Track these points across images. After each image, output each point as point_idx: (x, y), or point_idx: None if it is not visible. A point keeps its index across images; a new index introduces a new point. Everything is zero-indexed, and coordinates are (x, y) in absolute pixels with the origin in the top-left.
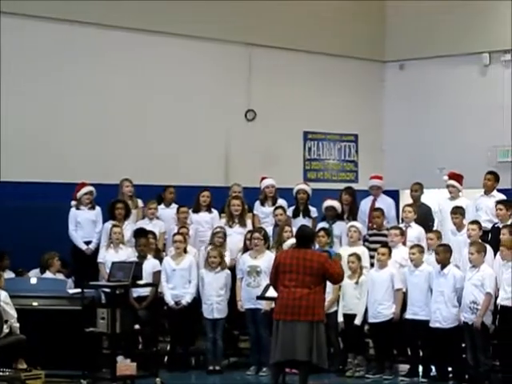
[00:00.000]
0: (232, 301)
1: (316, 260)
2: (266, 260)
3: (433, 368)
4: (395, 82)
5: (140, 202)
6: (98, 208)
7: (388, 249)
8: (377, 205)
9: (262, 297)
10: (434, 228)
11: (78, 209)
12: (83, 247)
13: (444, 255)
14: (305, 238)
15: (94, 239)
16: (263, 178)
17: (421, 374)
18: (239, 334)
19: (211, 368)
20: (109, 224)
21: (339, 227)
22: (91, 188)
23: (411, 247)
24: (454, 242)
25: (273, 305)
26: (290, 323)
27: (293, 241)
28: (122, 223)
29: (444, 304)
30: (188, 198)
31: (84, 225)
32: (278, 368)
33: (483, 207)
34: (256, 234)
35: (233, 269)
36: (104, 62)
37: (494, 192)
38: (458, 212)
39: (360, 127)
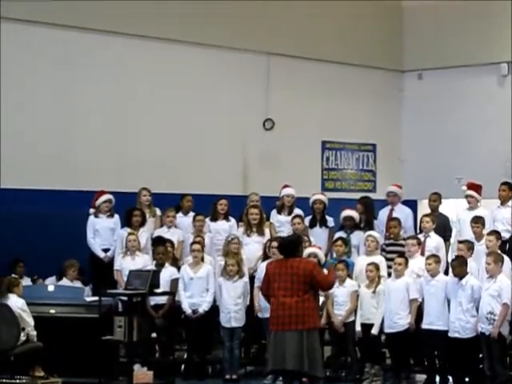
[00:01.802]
0: (249, 309)
1: (303, 267)
2: None
3: (450, 378)
4: (413, 91)
5: (158, 211)
6: (116, 216)
7: (404, 259)
8: (394, 214)
9: None
10: (452, 238)
11: (96, 217)
12: (101, 255)
13: (460, 269)
14: (286, 247)
15: (112, 247)
16: (285, 186)
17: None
18: (260, 344)
19: (228, 377)
20: (124, 231)
21: (357, 237)
22: (110, 196)
23: (427, 257)
24: (474, 251)
25: None
26: (281, 333)
27: (309, 250)
28: (137, 231)
29: (462, 314)
30: (206, 206)
31: (102, 233)
32: (288, 378)
33: (500, 218)
34: (274, 243)
35: (250, 277)
36: (121, 69)
37: (510, 202)
38: (479, 222)
39: (378, 137)
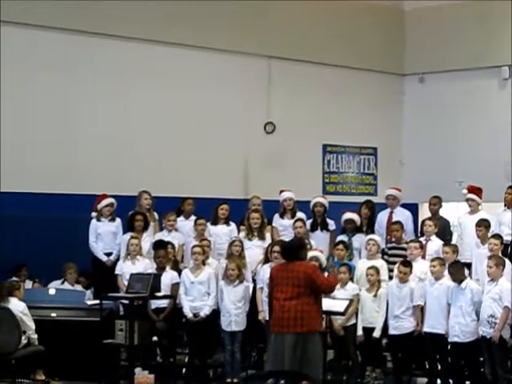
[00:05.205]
0: (249, 313)
1: (302, 271)
2: None
3: (451, 382)
4: (415, 95)
5: (156, 215)
6: (118, 220)
7: (409, 267)
8: (394, 217)
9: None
10: (453, 242)
11: (98, 220)
12: (104, 259)
13: (458, 274)
14: (287, 250)
15: (114, 251)
16: (282, 191)
17: None
18: (263, 347)
19: (229, 380)
20: (127, 236)
21: (358, 240)
22: (112, 200)
23: (432, 260)
24: (478, 254)
25: None
26: (280, 335)
27: (311, 254)
28: (140, 235)
29: (462, 318)
30: (207, 210)
31: (104, 236)
32: (292, 381)
33: (505, 221)
34: (276, 247)
35: (253, 281)
36: (121, 74)
37: None
38: (483, 225)
39: (379, 140)
